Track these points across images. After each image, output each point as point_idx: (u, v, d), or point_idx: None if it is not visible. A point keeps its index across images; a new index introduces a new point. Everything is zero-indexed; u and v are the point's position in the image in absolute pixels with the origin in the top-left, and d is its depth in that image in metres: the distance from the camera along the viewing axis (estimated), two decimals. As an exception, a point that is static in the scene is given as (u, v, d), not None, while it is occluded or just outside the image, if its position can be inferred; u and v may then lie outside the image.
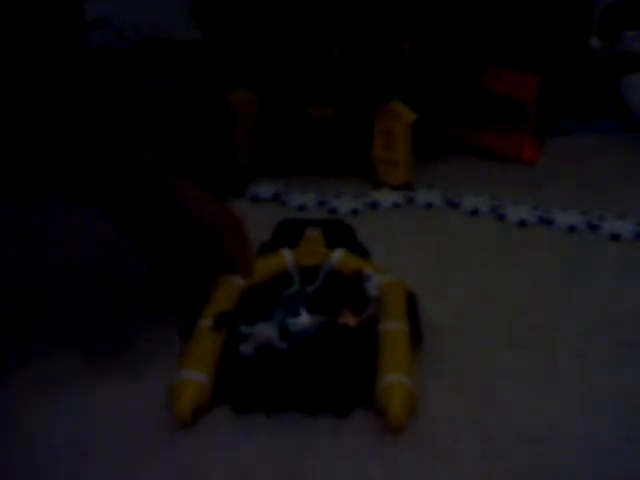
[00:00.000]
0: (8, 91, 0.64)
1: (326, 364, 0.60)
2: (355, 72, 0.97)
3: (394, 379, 0.58)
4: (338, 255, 0.71)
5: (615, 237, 0.85)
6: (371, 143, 0.95)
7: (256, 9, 1.03)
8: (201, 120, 1.02)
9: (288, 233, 0.76)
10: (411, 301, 0.68)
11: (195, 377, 0.59)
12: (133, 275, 0.74)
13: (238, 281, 0.69)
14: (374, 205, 0.93)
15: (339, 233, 0.76)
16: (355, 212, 0.91)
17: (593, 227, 0.87)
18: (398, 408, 0.56)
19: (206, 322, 0.64)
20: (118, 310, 0.71)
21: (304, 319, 0.64)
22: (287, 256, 0.72)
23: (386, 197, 0.94)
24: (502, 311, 0.72)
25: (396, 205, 0.93)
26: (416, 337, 0.64)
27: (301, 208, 0.92)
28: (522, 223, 0.88)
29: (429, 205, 0.92)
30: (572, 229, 0.87)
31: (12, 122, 0.60)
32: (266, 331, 0.62)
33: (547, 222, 0.88)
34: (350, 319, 0.65)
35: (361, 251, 0.75)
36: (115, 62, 1.13)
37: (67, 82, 0.66)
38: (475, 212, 0.91)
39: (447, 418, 0.59)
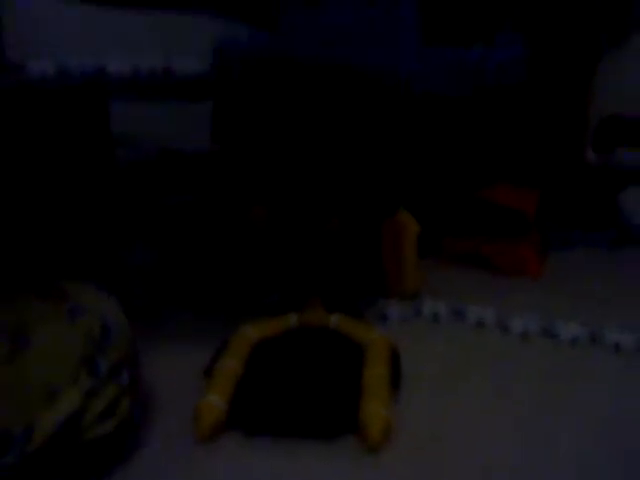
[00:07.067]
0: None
1: (320, 400, 0.74)
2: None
3: (374, 409, 0.72)
4: (337, 318, 0.87)
5: (617, 348, 0.87)
6: (379, 256, 0.98)
7: (271, 131, 1.07)
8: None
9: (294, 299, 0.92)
10: (394, 354, 0.82)
11: (215, 401, 0.74)
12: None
13: (251, 334, 0.85)
14: (384, 317, 0.95)
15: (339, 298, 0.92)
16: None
17: (595, 338, 0.89)
18: (377, 434, 0.70)
19: (224, 363, 0.79)
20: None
21: None
22: (292, 318, 0.88)
23: (394, 309, 0.97)
24: (504, 422, 0.74)
25: (404, 318, 0.95)
26: (395, 382, 0.78)
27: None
28: (525, 335, 0.90)
29: (435, 316, 0.95)
30: (575, 340, 0.89)
31: None
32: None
33: (550, 334, 0.90)
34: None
35: (357, 313, 0.91)
36: (138, 175, 1.17)
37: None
38: (480, 323, 0.93)
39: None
